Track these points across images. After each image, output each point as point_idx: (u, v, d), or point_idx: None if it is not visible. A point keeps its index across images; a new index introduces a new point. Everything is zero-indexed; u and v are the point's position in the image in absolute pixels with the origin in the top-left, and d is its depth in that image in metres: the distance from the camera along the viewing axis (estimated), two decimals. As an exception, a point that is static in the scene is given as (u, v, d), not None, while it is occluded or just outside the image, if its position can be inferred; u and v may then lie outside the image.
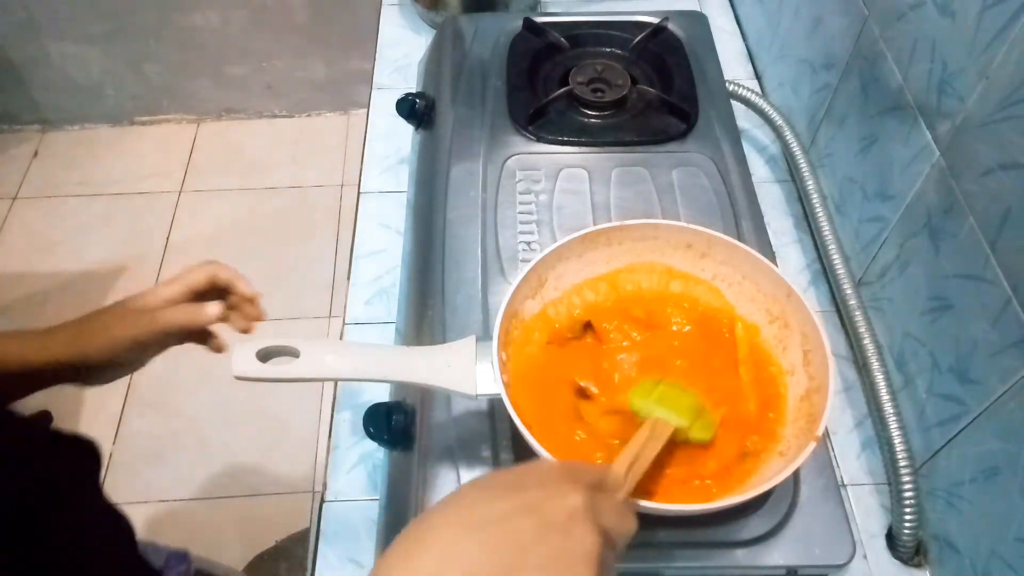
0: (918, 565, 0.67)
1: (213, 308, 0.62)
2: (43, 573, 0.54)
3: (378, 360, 0.61)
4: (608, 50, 0.93)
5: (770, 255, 0.74)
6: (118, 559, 0.67)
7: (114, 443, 1.71)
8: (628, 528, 0.42)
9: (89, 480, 0.64)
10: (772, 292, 0.62)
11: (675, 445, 0.55)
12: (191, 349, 0.69)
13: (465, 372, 0.57)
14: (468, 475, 0.61)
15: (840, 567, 0.57)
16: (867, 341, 0.74)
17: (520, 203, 0.77)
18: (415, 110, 0.90)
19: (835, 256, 0.81)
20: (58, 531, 0.55)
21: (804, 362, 0.59)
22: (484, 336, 0.59)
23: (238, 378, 0.60)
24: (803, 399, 0.58)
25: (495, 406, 0.64)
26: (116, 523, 0.67)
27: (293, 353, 0.60)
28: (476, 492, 0.40)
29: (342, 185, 2.18)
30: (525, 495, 0.39)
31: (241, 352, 0.60)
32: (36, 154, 2.27)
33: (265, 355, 0.60)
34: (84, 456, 0.63)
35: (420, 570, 0.35)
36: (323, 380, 0.61)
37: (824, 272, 0.84)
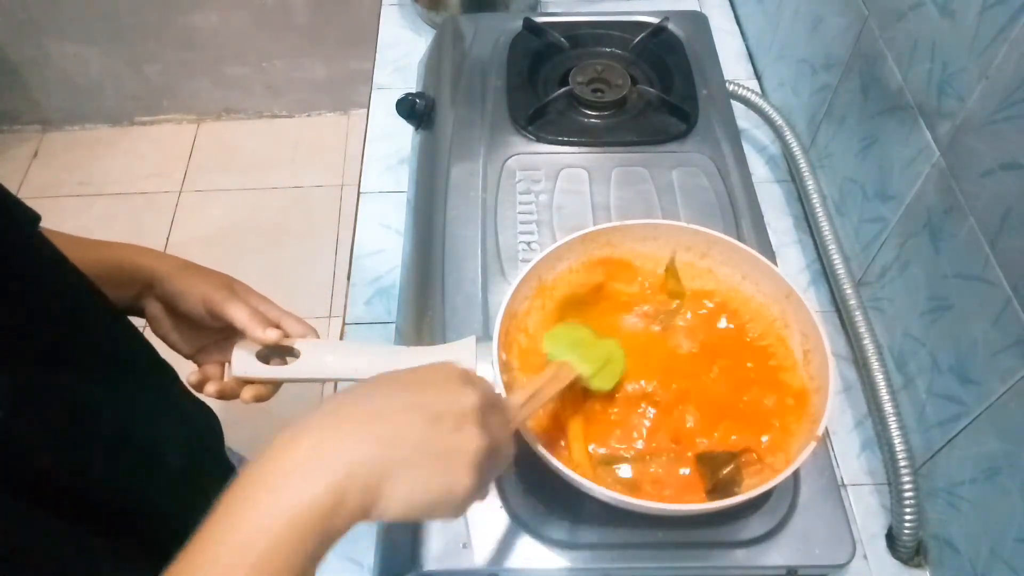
0: (918, 565, 0.67)
1: (272, 333, 0.59)
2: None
3: (378, 360, 0.61)
4: (608, 50, 0.93)
5: (770, 255, 0.74)
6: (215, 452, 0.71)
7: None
8: (510, 451, 0.44)
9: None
10: (772, 292, 0.62)
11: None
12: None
13: (465, 372, 0.57)
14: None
15: (840, 567, 0.57)
16: (867, 341, 0.74)
17: (520, 203, 0.77)
18: (415, 110, 0.90)
19: (835, 256, 0.81)
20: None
21: (804, 362, 0.59)
22: (484, 336, 0.59)
23: (238, 378, 0.60)
24: (803, 398, 0.58)
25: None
26: (209, 419, 0.71)
27: (293, 353, 0.61)
28: (371, 387, 0.41)
29: (342, 185, 2.18)
30: (420, 393, 0.40)
31: (241, 352, 0.60)
32: (36, 154, 2.27)
33: (265, 355, 0.60)
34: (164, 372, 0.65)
35: (295, 456, 0.37)
36: (323, 380, 0.61)
37: (824, 272, 0.84)
